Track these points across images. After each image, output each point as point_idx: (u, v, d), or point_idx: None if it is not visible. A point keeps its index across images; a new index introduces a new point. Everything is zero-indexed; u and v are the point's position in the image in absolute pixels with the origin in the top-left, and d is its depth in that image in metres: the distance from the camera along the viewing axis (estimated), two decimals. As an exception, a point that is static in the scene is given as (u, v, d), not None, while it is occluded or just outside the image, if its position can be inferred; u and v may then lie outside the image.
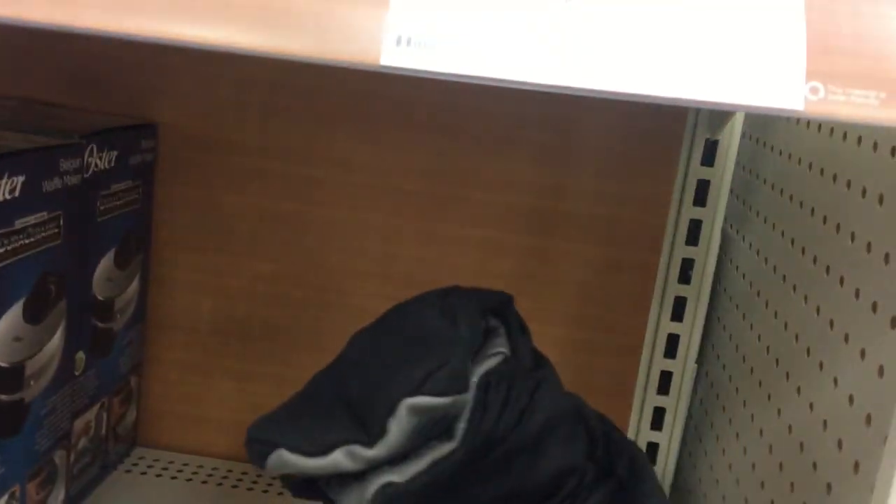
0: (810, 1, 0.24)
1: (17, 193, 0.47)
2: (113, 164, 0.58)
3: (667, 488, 0.71)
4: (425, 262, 0.68)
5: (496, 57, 0.24)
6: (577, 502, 0.41)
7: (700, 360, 0.69)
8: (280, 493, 0.67)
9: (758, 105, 0.23)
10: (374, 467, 0.38)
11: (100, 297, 0.59)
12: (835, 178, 0.45)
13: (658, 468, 0.71)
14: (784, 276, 0.51)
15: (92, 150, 0.55)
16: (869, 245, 0.39)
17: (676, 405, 0.69)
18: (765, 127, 0.62)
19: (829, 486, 0.39)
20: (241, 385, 0.70)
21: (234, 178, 0.67)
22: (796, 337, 0.47)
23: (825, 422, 0.40)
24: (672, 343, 0.68)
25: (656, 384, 0.69)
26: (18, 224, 0.48)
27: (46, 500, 0.55)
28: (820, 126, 0.49)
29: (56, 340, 0.53)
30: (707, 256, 0.66)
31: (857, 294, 0.39)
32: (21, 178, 0.47)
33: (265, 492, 0.67)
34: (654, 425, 0.70)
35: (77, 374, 0.57)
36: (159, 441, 0.72)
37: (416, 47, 0.23)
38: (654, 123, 0.65)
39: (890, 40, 0.24)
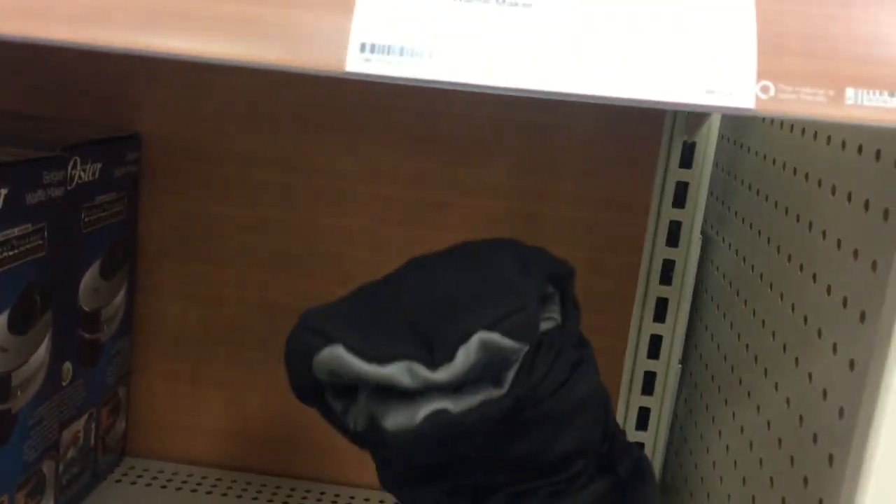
0: (760, 3, 0.24)
1: (0, 206, 0.48)
2: (97, 176, 0.59)
3: (654, 488, 0.72)
4: (410, 267, 0.68)
5: (457, 62, 0.25)
6: (575, 485, 0.41)
7: (684, 359, 0.70)
8: (269, 502, 0.67)
9: (710, 104, 0.23)
10: (426, 391, 0.37)
11: (86, 308, 0.59)
12: (807, 177, 0.46)
13: (645, 468, 0.71)
14: (761, 275, 0.52)
15: (76, 162, 0.56)
16: (839, 242, 0.39)
17: (661, 405, 0.70)
18: (741, 128, 0.62)
19: (805, 480, 0.39)
20: (229, 394, 0.71)
21: (219, 187, 0.68)
22: (773, 334, 0.48)
23: (801, 416, 0.41)
24: (655, 344, 0.69)
25: (641, 385, 0.70)
26: (2, 236, 0.48)
27: (35, 510, 0.56)
28: (792, 126, 0.50)
29: (42, 351, 0.54)
30: (688, 257, 0.67)
31: (828, 290, 0.40)
32: (4, 191, 0.48)
33: (255, 499, 0.67)
34: (639, 425, 0.70)
35: (64, 384, 0.57)
36: (149, 451, 0.72)
37: (379, 53, 0.24)
38: (632, 127, 0.65)
39: (837, 40, 0.24)
